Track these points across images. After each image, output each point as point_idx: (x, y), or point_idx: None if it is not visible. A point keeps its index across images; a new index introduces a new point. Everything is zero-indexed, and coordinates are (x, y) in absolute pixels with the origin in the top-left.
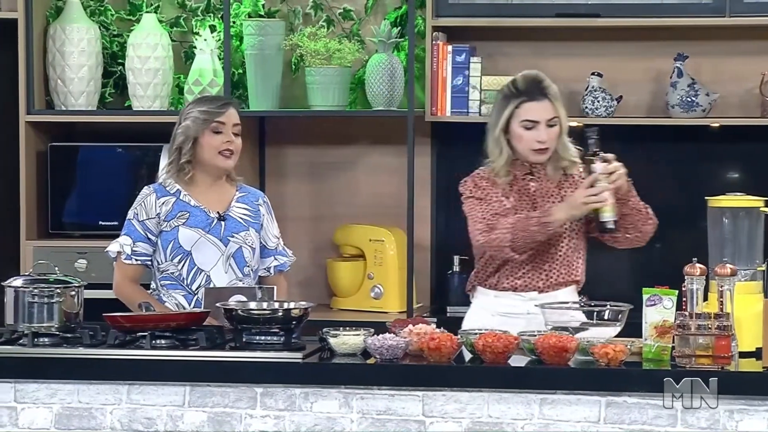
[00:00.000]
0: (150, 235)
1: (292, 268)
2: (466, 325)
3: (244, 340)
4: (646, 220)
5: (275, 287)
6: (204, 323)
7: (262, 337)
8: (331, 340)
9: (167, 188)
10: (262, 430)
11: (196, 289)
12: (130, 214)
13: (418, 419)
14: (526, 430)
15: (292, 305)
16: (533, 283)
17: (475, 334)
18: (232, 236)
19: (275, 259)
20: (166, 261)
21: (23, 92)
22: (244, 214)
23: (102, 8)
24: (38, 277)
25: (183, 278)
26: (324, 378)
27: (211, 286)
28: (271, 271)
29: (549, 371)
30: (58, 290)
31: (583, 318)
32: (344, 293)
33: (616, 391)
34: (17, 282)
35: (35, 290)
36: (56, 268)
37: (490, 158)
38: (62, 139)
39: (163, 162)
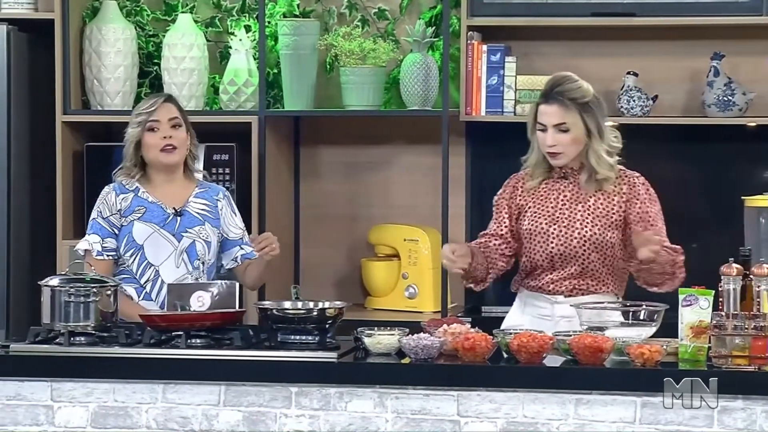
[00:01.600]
0: (115, 230)
1: (327, 267)
2: (505, 322)
3: (279, 339)
4: (677, 267)
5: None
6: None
7: (297, 337)
8: (366, 340)
9: (126, 186)
10: (296, 430)
11: (145, 282)
12: (94, 213)
13: (452, 419)
14: (561, 431)
15: (327, 305)
16: (556, 288)
17: (510, 334)
18: (186, 231)
19: (241, 248)
20: (123, 256)
21: (60, 92)
22: (201, 209)
23: (138, 8)
24: (74, 277)
25: (134, 272)
26: (359, 378)
27: (172, 281)
28: (239, 260)
29: (584, 371)
30: (94, 289)
31: (619, 318)
32: (379, 293)
33: (652, 391)
34: (53, 281)
35: (71, 289)
36: (92, 268)
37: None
38: (98, 139)
39: None
